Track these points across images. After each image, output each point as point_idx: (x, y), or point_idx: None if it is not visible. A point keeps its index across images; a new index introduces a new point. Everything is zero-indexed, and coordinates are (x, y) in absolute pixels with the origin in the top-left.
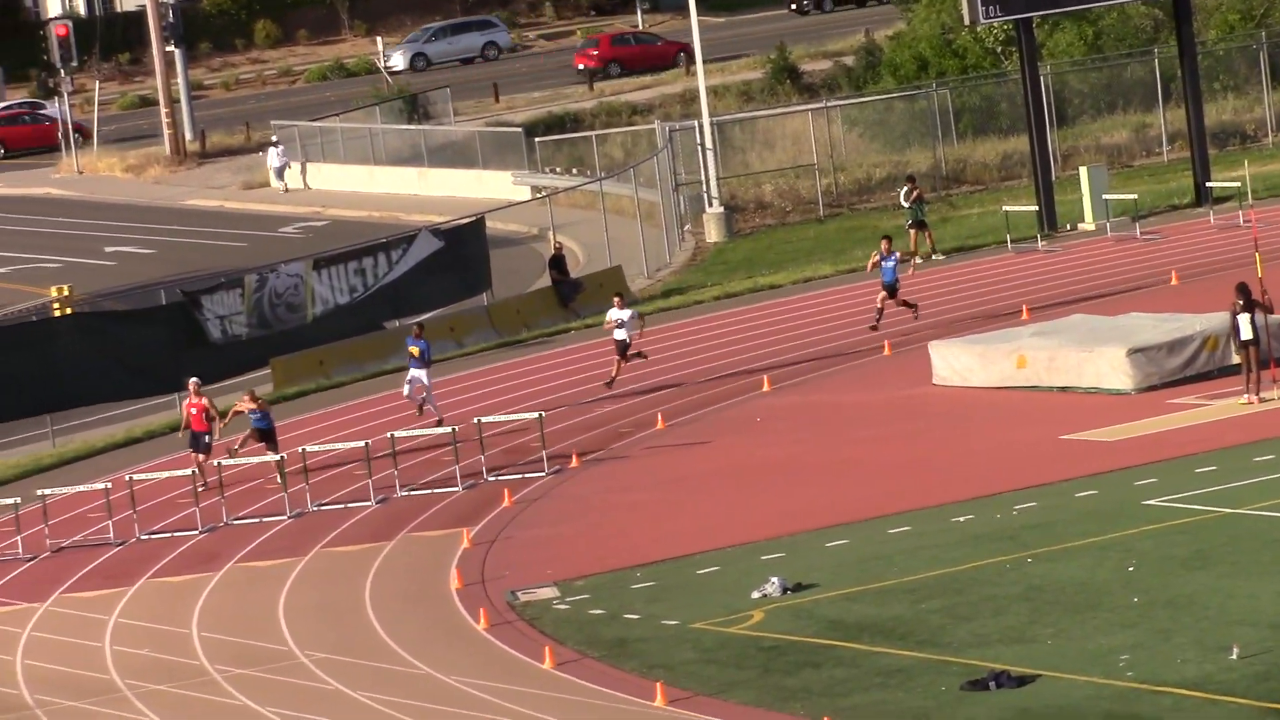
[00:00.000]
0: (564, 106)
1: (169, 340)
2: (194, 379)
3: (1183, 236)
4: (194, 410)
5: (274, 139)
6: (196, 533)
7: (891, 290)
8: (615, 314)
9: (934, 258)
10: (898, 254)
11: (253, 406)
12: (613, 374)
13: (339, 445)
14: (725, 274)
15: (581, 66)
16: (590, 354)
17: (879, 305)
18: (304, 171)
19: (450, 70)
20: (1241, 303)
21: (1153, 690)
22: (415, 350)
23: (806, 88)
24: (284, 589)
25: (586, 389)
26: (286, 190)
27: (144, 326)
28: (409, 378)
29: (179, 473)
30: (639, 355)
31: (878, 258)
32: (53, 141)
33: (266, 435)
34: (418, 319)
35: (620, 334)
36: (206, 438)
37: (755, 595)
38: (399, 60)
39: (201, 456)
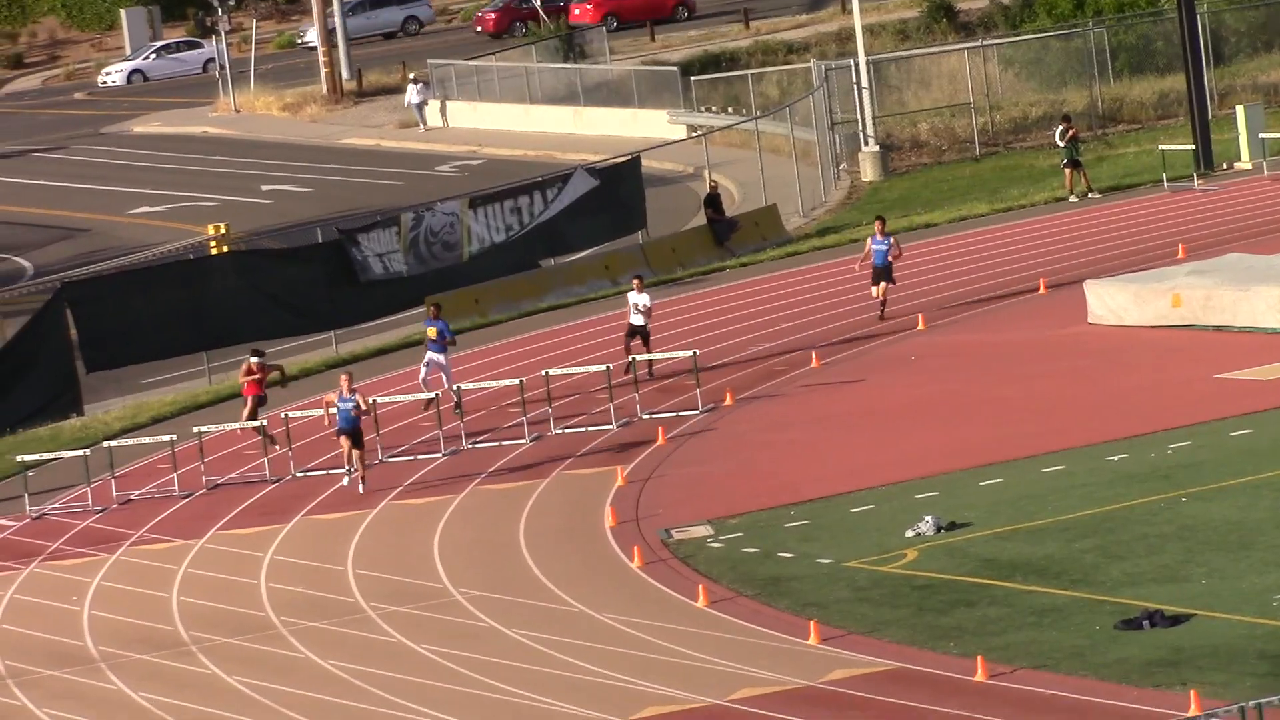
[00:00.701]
0: (720, 45)
1: (325, 278)
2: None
3: None
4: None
5: (412, 76)
6: (351, 469)
7: (883, 274)
8: (635, 298)
9: (1089, 197)
10: (892, 237)
11: (347, 395)
12: (630, 359)
13: (493, 383)
14: (881, 212)
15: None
16: (746, 292)
17: (880, 298)
18: (443, 110)
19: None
20: None
21: None
22: (433, 332)
23: (962, 26)
24: (438, 526)
25: (741, 327)
26: (425, 129)
27: (300, 265)
28: (426, 360)
29: (333, 410)
30: (645, 349)
31: (870, 244)
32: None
33: (353, 436)
34: (433, 299)
35: (638, 319)
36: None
37: (909, 534)
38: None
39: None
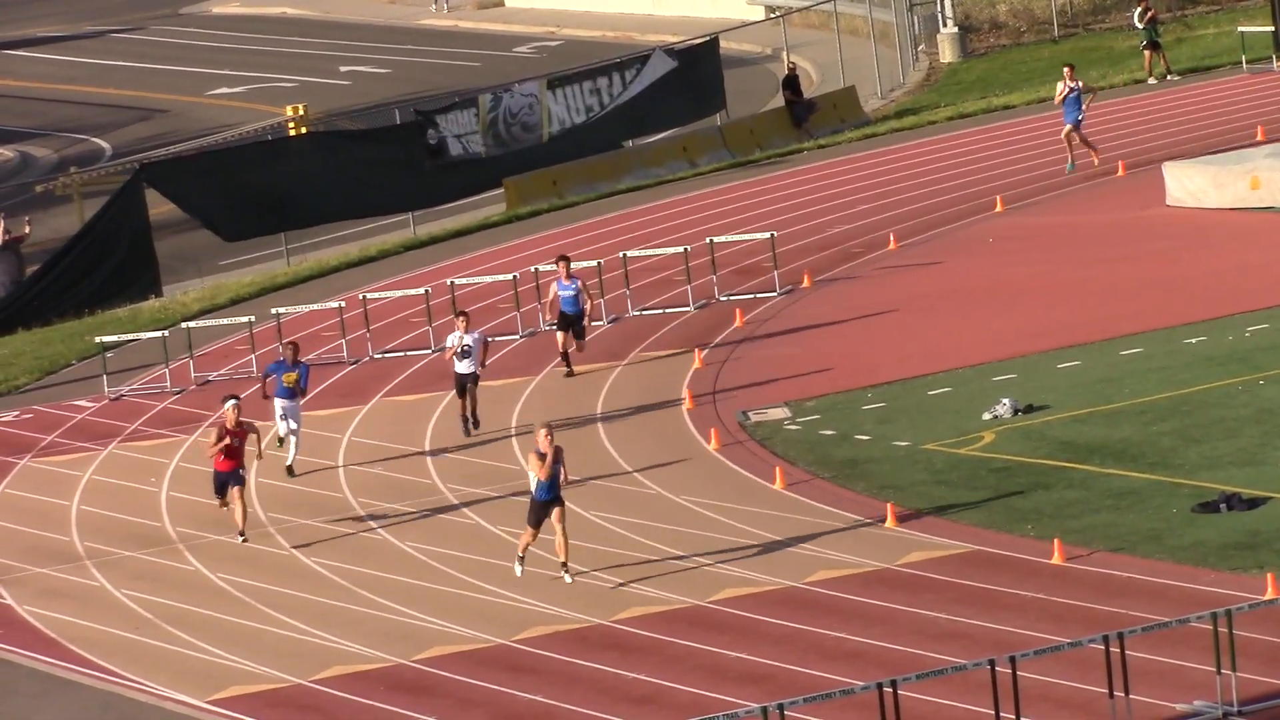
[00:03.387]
0: None
1: (404, 159)
2: (233, 399)
3: None
4: (235, 442)
5: None
6: (429, 352)
7: (572, 322)
8: (456, 339)
9: (1169, 78)
10: (578, 281)
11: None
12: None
13: (575, 264)
14: (959, 94)
15: None
16: (824, 174)
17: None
18: None
19: None
20: None
21: None
22: (291, 379)
23: None
24: (516, 408)
25: (819, 209)
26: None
27: (378, 146)
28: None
29: (412, 292)
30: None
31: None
32: None
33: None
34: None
35: (462, 366)
36: (240, 472)
37: (986, 417)
38: None
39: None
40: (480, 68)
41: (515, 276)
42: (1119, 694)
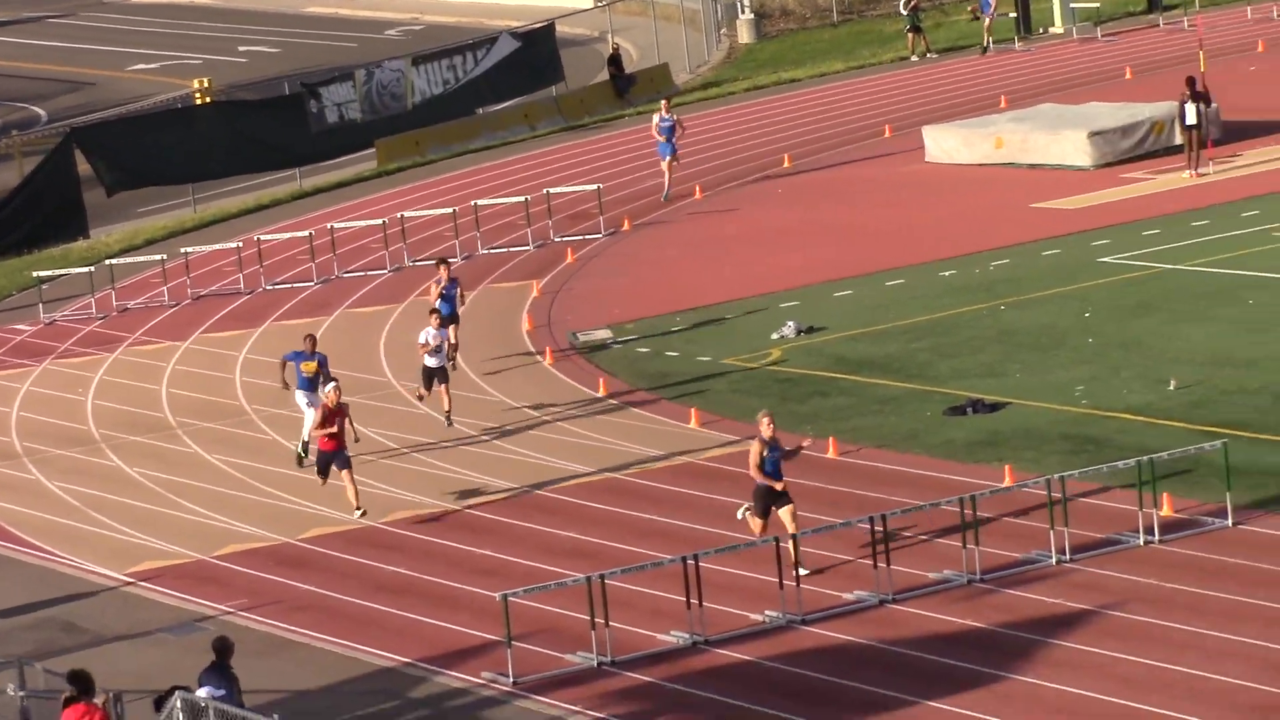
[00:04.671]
0: None
1: (292, 124)
2: (334, 382)
3: (1136, 39)
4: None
5: None
6: (313, 284)
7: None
8: (428, 335)
9: (928, 56)
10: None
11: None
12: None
13: (432, 211)
14: (754, 70)
15: None
16: (641, 136)
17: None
18: None
19: None
20: (1188, 93)
21: (1103, 415)
22: (311, 368)
23: None
24: (384, 330)
25: (638, 165)
26: None
27: (271, 113)
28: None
29: (298, 234)
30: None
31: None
32: None
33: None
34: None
35: (431, 361)
36: (345, 452)
37: (774, 336)
38: None
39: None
40: (356, 48)
41: (384, 221)
42: (883, 565)
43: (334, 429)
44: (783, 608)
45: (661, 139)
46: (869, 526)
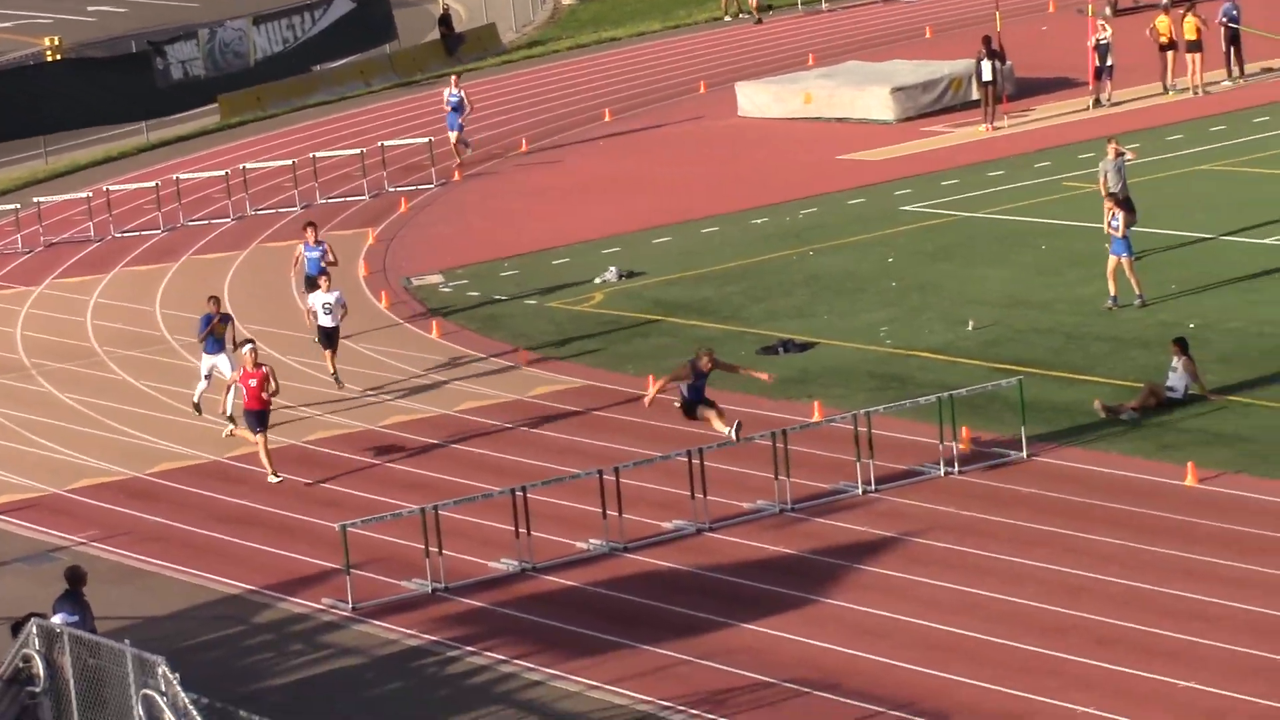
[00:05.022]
0: None
1: (139, 80)
2: (250, 343)
3: (887, 9)
4: (253, 382)
5: None
6: (159, 232)
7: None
8: (316, 299)
9: (741, 16)
10: (325, 244)
11: (313, 244)
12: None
13: (272, 163)
14: (577, 29)
15: None
16: (471, 91)
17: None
18: None
19: None
20: (985, 51)
21: (906, 354)
22: (221, 330)
23: None
24: (229, 275)
25: (468, 119)
26: None
27: (119, 69)
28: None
29: (145, 184)
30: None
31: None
32: None
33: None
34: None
35: (325, 321)
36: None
37: (597, 281)
38: None
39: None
40: (200, 8)
41: (227, 173)
42: (699, 495)
43: (257, 387)
44: (605, 536)
45: (449, 110)
46: (686, 460)
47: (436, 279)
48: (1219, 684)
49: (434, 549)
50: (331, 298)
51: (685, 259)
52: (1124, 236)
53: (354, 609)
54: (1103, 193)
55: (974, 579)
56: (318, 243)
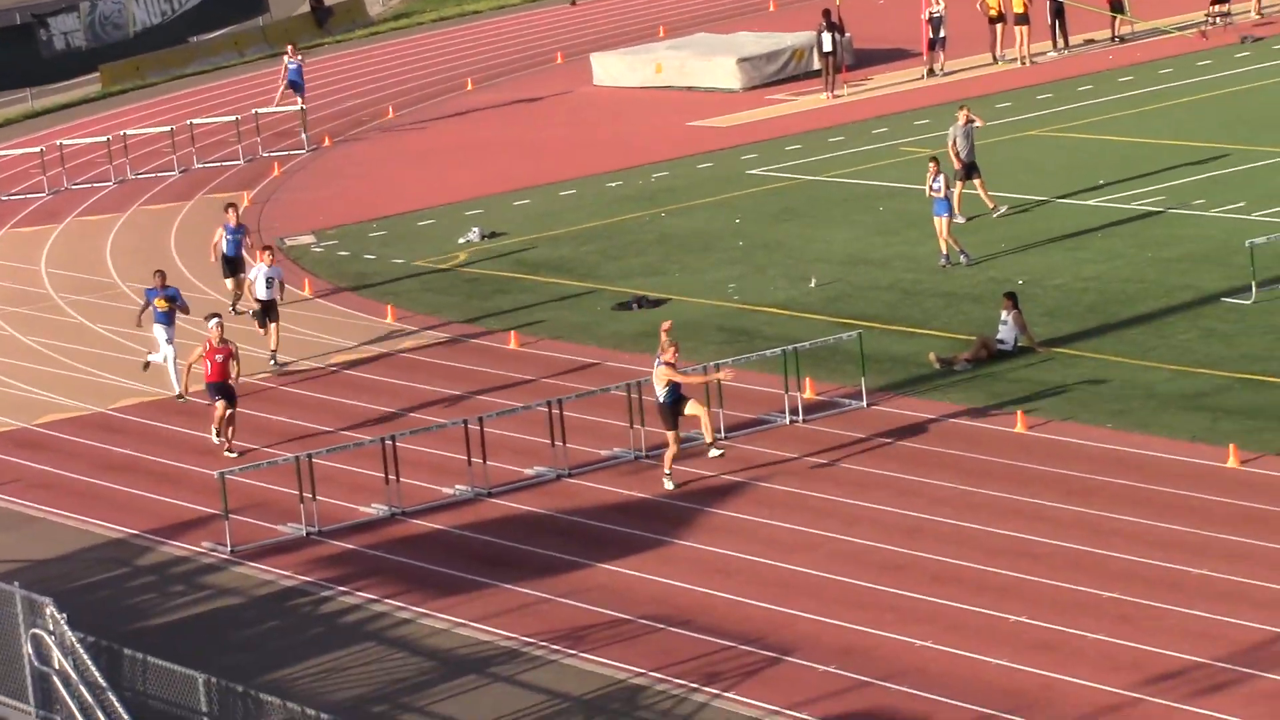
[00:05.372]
0: None
1: (23, 50)
2: (216, 318)
3: None
4: (218, 358)
5: None
6: (44, 195)
7: (238, 266)
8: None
9: None
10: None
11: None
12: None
13: (152, 129)
14: (440, 3)
15: None
16: (340, 61)
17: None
18: None
19: None
20: (825, 24)
21: (752, 309)
22: (164, 304)
23: None
24: (110, 237)
25: (338, 87)
26: None
27: (3, 39)
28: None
29: (31, 150)
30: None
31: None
32: None
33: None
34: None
35: (264, 294)
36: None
37: (460, 240)
38: None
39: (225, 407)
40: None
41: (109, 139)
42: (559, 443)
43: (223, 363)
44: (470, 482)
45: (286, 82)
46: (547, 410)
47: (309, 239)
48: (1046, 618)
49: (308, 495)
50: (274, 272)
51: (544, 220)
52: (945, 198)
53: (232, 552)
54: (952, 156)
55: (816, 520)
56: (239, 225)
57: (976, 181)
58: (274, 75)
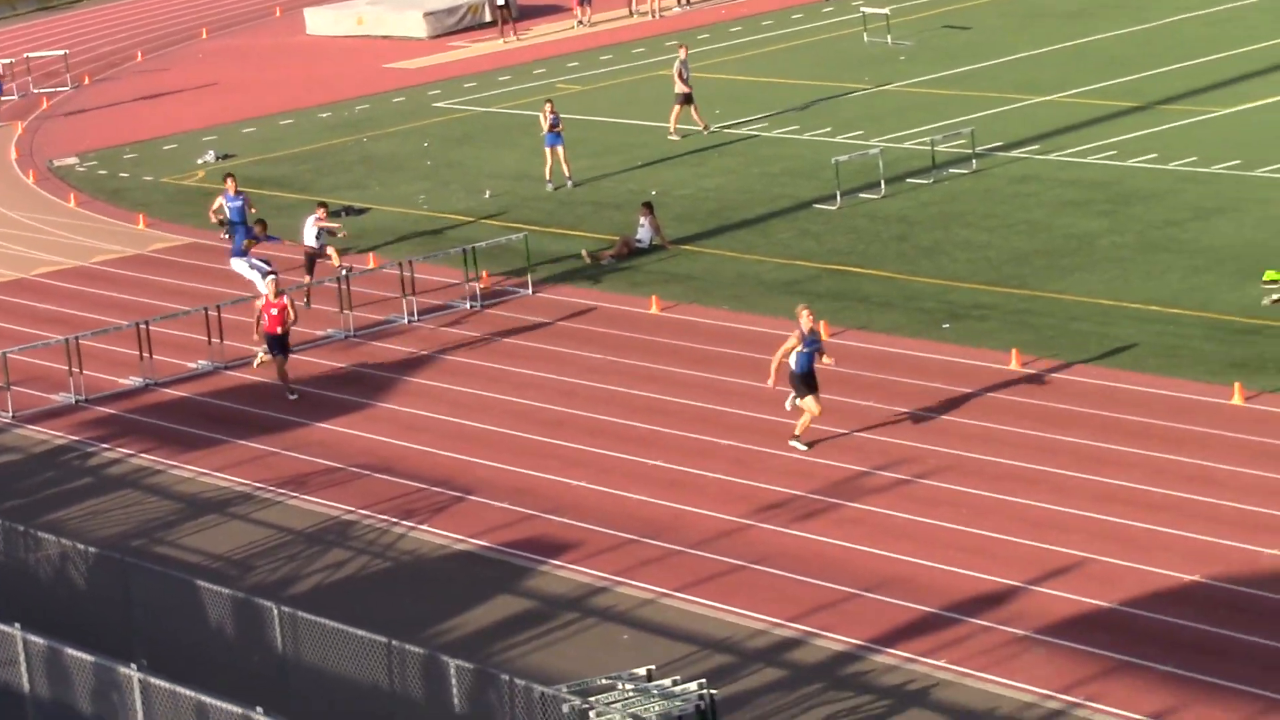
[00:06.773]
0: None
1: None
2: (273, 274)
3: None
4: (274, 311)
5: None
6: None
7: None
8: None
9: None
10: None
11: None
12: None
13: None
14: None
15: None
16: (100, 13)
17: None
18: None
19: None
20: None
21: (439, 216)
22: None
23: None
24: None
25: (99, 34)
26: None
27: None
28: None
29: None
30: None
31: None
32: None
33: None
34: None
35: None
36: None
37: (199, 161)
38: None
39: (282, 362)
40: None
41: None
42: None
43: (279, 316)
44: (211, 358)
45: None
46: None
47: (73, 160)
48: (677, 461)
49: (76, 370)
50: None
51: (267, 144)
52: (555, 132)
53: (13, 417)
54: (678, 83)
55: (491, 385)
56: (238, 193)
57: (691, 107)
58: (44, 26)
